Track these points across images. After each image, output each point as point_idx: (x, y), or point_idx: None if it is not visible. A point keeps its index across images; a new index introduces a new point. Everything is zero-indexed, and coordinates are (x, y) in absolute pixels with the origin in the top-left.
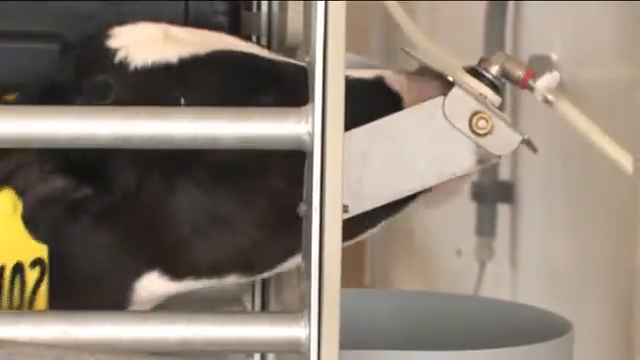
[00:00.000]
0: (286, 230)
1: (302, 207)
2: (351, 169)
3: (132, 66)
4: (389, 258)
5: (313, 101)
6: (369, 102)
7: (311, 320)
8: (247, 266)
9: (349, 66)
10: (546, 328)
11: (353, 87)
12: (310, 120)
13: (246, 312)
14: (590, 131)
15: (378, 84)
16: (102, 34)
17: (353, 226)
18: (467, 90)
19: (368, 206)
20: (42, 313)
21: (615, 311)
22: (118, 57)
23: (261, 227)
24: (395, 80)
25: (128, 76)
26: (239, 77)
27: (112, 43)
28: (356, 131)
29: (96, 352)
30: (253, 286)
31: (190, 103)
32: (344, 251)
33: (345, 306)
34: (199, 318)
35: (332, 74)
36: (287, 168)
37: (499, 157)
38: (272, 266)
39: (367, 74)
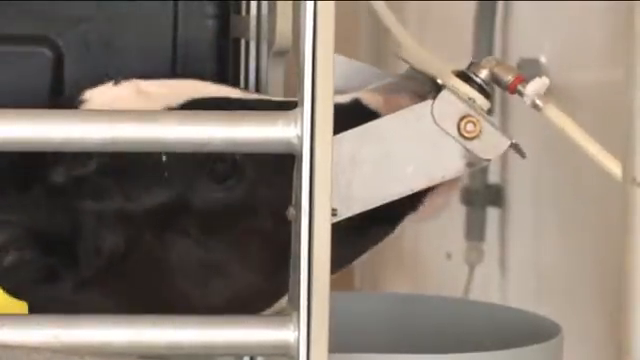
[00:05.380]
0: (279, 268)
1: (291, 211)
2: (340, 172)
3: None
4: (379, 261)
5: (302, 104)
6: (350, 125)
7: (300, 323)
8: (243, 308)
9: (338, 68)
10: (535, 331)
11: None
12: (299, 123)
13: (235, 315)
14: (579, 137)
15: (355, 106)
16: (74, 100)
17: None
18: (456, 93)
19: (357, 209)
20: (31, 317)
21: (604, 314)
22: None
23: (254, 268)
24: (371, 99)
25: None
26: None
27: (85, 108)
28: (345, 135)
29: (85, 355)
30: None
31: (170, 157)
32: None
33: (334, 309)
34: (188, 321)
35: (321, 77)
36: (274, 209)
37: (488, 160)
38: (268, 304)
39: (343, 98)
